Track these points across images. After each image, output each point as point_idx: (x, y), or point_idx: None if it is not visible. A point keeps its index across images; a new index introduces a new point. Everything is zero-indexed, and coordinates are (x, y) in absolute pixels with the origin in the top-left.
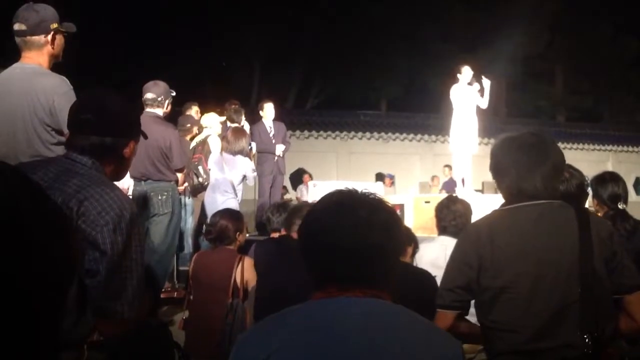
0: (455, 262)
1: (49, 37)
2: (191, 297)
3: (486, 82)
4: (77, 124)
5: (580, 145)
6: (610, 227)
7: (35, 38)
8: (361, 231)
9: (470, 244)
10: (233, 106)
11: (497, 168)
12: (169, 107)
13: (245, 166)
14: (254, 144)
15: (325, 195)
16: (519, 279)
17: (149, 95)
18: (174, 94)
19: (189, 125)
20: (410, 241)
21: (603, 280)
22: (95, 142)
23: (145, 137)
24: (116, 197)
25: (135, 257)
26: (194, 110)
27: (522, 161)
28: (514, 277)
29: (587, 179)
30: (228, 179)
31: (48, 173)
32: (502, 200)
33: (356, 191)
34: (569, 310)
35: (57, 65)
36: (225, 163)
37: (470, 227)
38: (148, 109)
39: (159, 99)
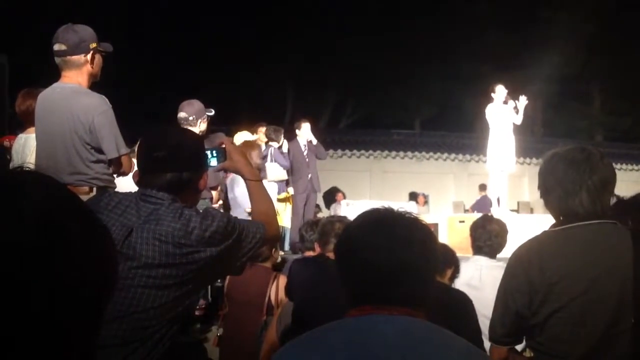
0: (506, 289)
1: (89, 56)
2: (226, 314)
3: (522, 99)
4: (152, 163)
5: (618, 166)
6: None
7: (75, 58)
8: (398, 249)
9: (521, 269)
10: (273, 126)
11: (544, 187)
12: (205, 126)
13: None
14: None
15: (362, 213)
16: (568, 303)
17: (181, 115)
18: (212, 112)
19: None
20: (451, 264)
21: None
22: (172, 178)
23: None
24: (202, 215)
25: (243, 232)
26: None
27: (567, 177)
28: (562, 302)
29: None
30: None
31: (130, 211)
32: (540, 221)
33: (393, 209)
34: (618, 338)
35: (94, 84)
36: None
37: (520, 251)
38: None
39: (191, 118)
